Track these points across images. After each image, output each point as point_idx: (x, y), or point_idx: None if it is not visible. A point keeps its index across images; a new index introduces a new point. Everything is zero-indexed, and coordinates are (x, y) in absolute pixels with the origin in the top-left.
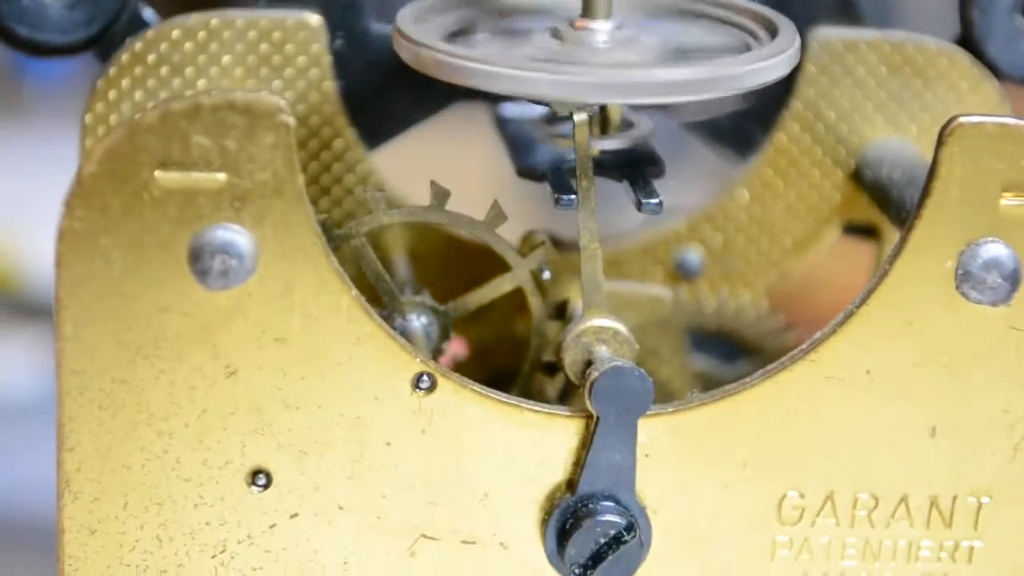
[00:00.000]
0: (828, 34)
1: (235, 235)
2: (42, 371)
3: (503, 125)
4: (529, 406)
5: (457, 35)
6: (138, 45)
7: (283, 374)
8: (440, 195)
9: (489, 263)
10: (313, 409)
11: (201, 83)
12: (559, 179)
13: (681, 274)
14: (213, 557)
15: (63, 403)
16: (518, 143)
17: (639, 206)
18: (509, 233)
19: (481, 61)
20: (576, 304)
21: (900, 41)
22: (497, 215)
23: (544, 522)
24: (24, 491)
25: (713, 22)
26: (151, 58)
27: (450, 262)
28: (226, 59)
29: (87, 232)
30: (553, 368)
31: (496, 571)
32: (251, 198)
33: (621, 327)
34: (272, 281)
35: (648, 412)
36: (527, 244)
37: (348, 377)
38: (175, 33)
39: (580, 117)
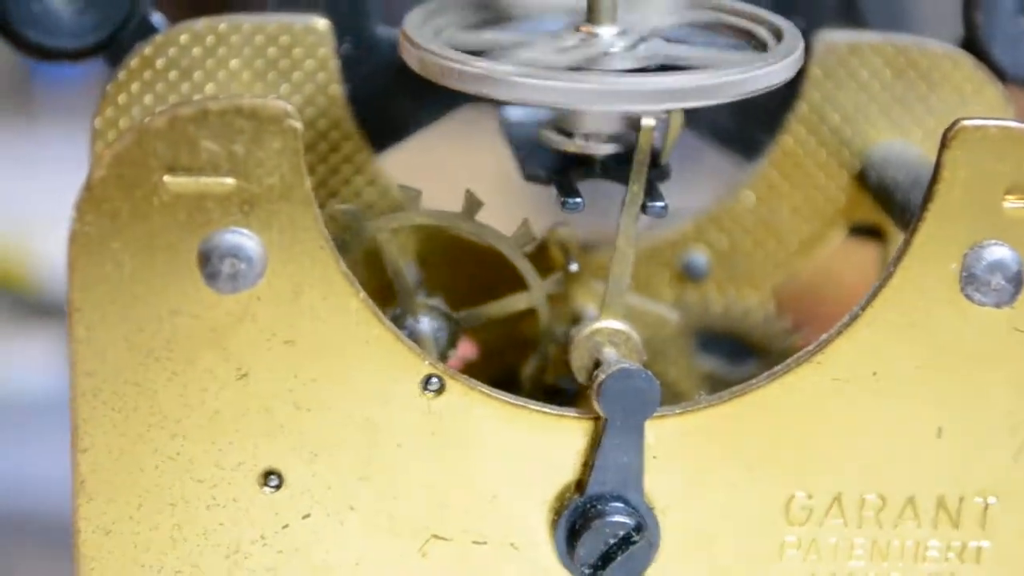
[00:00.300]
0: (832, 37)
1: (244, 239)
2: (56, 370)
3: (509, 129)
4: (537, 408)
5: (461, 40)
6: (147, 50)
7: (293, 376)
8: (472, 204)
9: (498, 270)
10: (323, 411)
11: (209, 87)
12: (565, 183)
13: (688, 276)
14: (227, 557)
15: (77, 405)
16: (524, 147)
17: (644, 209)
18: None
19: (483, 68)
20: (584, 305)
21: (904, 44)
22: (525, 233)
23: (554, 523)
24: (41, 487)
25: (717, 25)
26: (160, 62)
27: (458, 266)
28: (234, 63)
29: (98, 236)
30: (555, 392)
31: (507, 571)
32: (259, 202)
33: (633, 333)
34: (281, 284)
35: (655, 414)
36: (553, 239)
37: (357, 379)
38: (183, 38)
39: (647, 122)
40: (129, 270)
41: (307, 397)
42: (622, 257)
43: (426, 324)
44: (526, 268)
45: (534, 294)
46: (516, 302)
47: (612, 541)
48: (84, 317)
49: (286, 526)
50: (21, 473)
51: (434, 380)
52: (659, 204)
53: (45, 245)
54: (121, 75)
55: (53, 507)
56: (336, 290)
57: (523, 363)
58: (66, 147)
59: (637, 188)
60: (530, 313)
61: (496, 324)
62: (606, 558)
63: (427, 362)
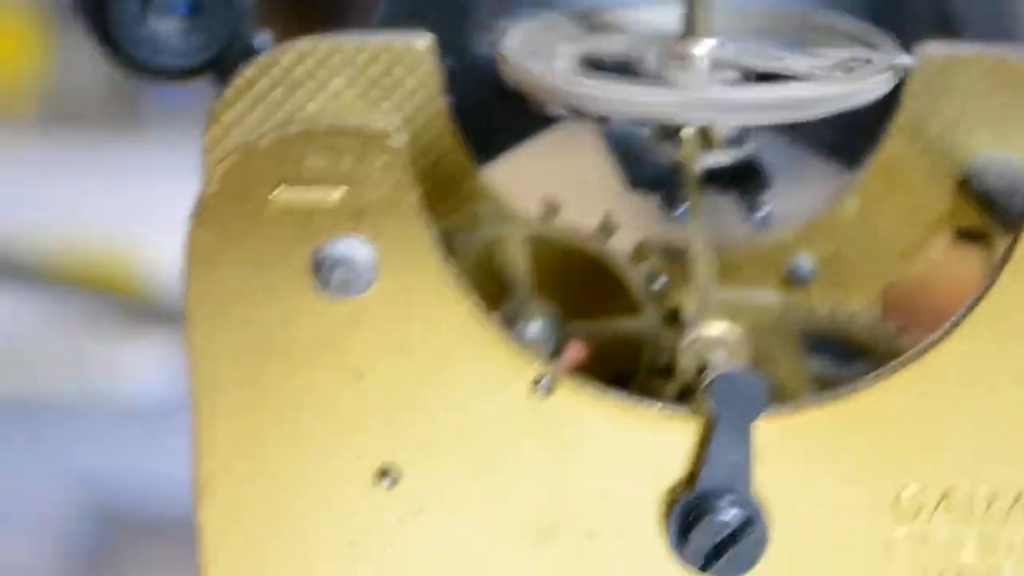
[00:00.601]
0: (930, 48)
1: (354, 247)
2: (165, 375)
3: (612, 138)
4: (646, 407)
5: (561, 56)
6: (251, 70)
7: (406, 378)
8: (551, 207)
9: (607, 282)
10: (435, 411)
11: (312, 106)
12: (669, 191)
13: (793, 280)
14: (345, 551)
15: (198, 411)
16: (628, 156)
17: (747, 218)
18: (624, 245)
19: (581, 85)
20: (689, 310)
21: (1001, 55)
22: (608, 225)
23: (665, 517)
24: (160, 488)
25: (813, 39)
26: (264, 82)
27: (565, 273)
28: (337, 82)
29: (211, 249)
30: (668, 372)
31: (619, 566)
32: (368, 211)
33: (735, 331)
34: (392, 290)
35: (764, 414)
36: (638, 254)
37: (469, 381)
38: (287, 57)
39: (687, 132)
40: (243, 281)
41: (419, 398)
42: (703, 264)
43: (535, 328)
44: (615, 257)
45: (645, 322)
46: (627, 325)
47: (723, 535)
48: (200, 327)
49: (401, 521)
50: (131, 477)
51: (544, 380)
52: (761, 214)
53: (154, 250)
54: (226, 94)
55: (163, 510)
56: (446, 295)
57: (630, 362)
58: (174, 152)
59: (695, 197)
60: (636, 312)
61: (602, 324)
62: (717, 551)
63: (537, 363)
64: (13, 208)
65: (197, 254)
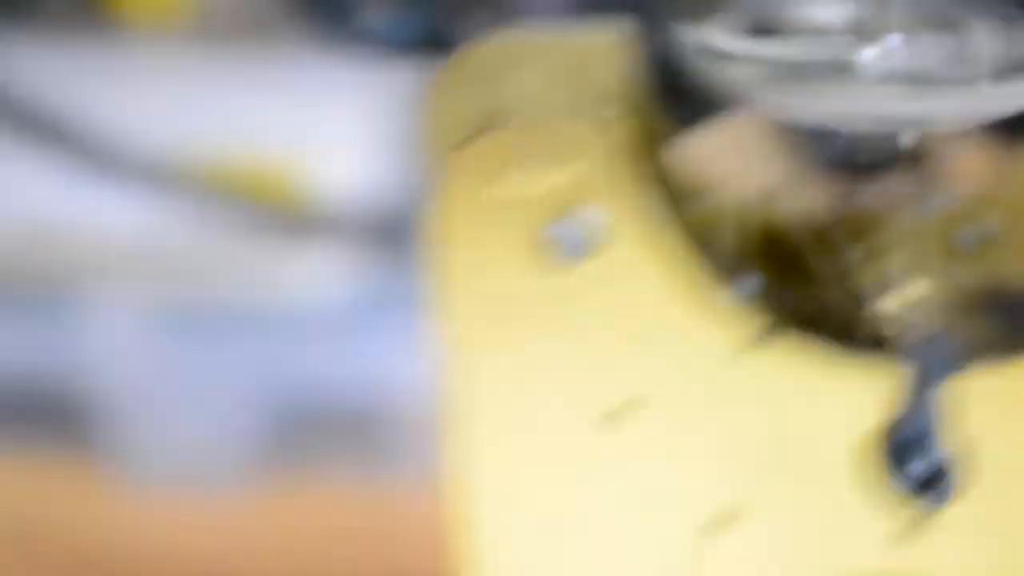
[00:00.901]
0: None
1: (577, 224)
2: (332, 282)
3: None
4: (850, 362)
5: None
6: (453, 62)
7: (628, 341)
8: (756, 185)
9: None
10: (655, 367)
11: (518, 94)
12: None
13: (976, 243)
14: (570, 480)
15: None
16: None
17: (921, 204)
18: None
19: (774, 92)
20: (884, 276)
21: None
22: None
23: (869, 460)
24: (333, 388)
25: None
26: (466, 72)
27: (769, 244)
28: (539, 72)
29: (446, 239)
30: (868, 333)
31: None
32: (589, 191)
33: (928, 294)
34: (617, 261)
35: (956, 373)
36: (835, 224)
37: (688, 342)
38: (492, 46)
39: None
40: (476, 262)
41: (639, 356)
42: (896, 230)
43: (743, 292)
44: (842, 262)
45: (845, 287)
46: (828, 291)
47: (936, 466)
48: (440, 305)
49: (628, 459)
50: (324, 376)
51: (755, 337)
52: (936, 198)
53: (321, 164)
54: (435, 80)
55: (337, 408)
56: (666, 264)
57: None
58: (344, 73)
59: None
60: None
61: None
62: (929, 481)
63: (748, 322)
64: (178, 118)
65: (436, 246)
